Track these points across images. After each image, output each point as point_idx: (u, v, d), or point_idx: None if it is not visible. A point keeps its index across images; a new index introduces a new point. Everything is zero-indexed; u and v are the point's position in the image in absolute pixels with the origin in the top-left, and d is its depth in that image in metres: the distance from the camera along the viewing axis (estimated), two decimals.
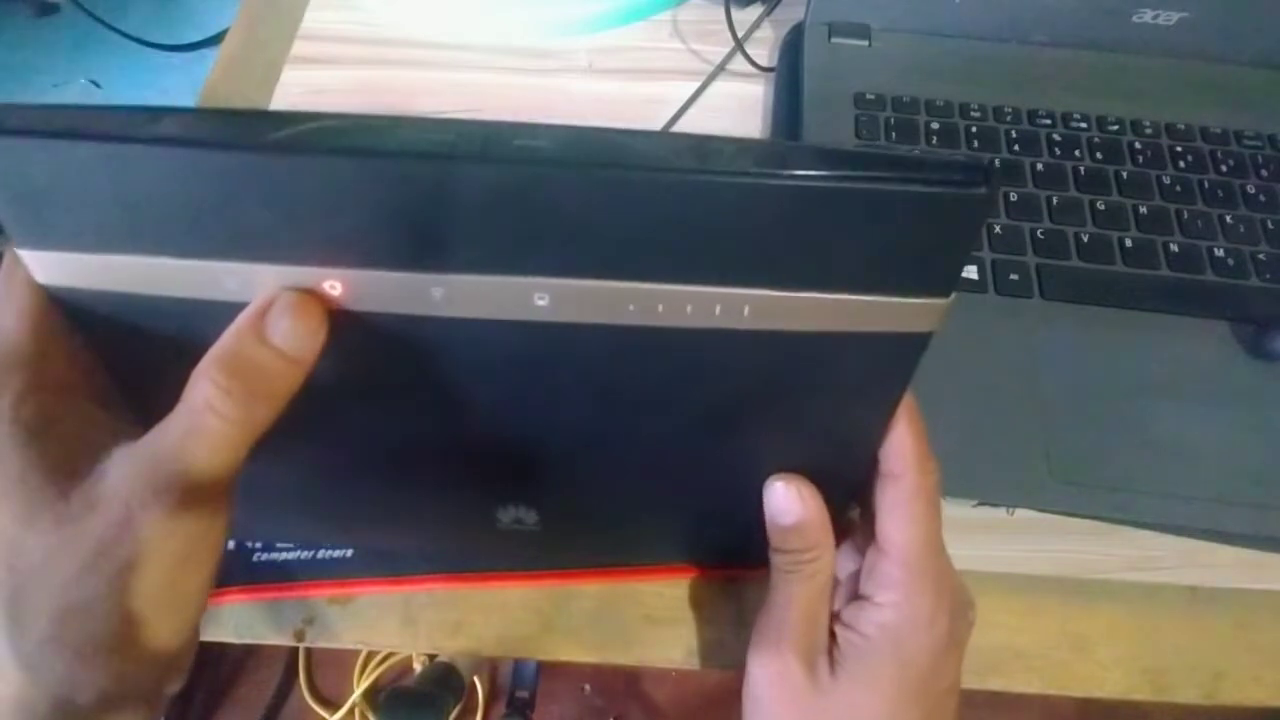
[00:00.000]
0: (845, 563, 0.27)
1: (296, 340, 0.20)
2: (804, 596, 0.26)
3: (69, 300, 0.20)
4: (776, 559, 0.27)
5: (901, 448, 0.25)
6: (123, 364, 0.22)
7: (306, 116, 0.18)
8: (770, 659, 0.26)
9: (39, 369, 0.21)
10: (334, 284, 0.19)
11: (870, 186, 0.18)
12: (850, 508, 0.27)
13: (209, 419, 0.19)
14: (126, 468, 0.19)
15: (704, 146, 0.18)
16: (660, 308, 0.20)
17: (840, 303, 0.20)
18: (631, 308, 0.20)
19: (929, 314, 0.20)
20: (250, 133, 0.18)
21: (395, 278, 0.19)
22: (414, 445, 0.25)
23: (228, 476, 0.20)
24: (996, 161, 0.41)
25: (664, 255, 0.19)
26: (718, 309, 0.20)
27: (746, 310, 0.20)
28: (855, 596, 0.26)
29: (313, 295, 0.20)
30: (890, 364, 0.22)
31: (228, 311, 0.19)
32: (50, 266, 0.19)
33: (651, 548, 0.33)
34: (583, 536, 0.31)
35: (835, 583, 0.27)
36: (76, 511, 0.19)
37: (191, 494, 0.19)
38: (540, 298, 0.19)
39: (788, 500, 0.26)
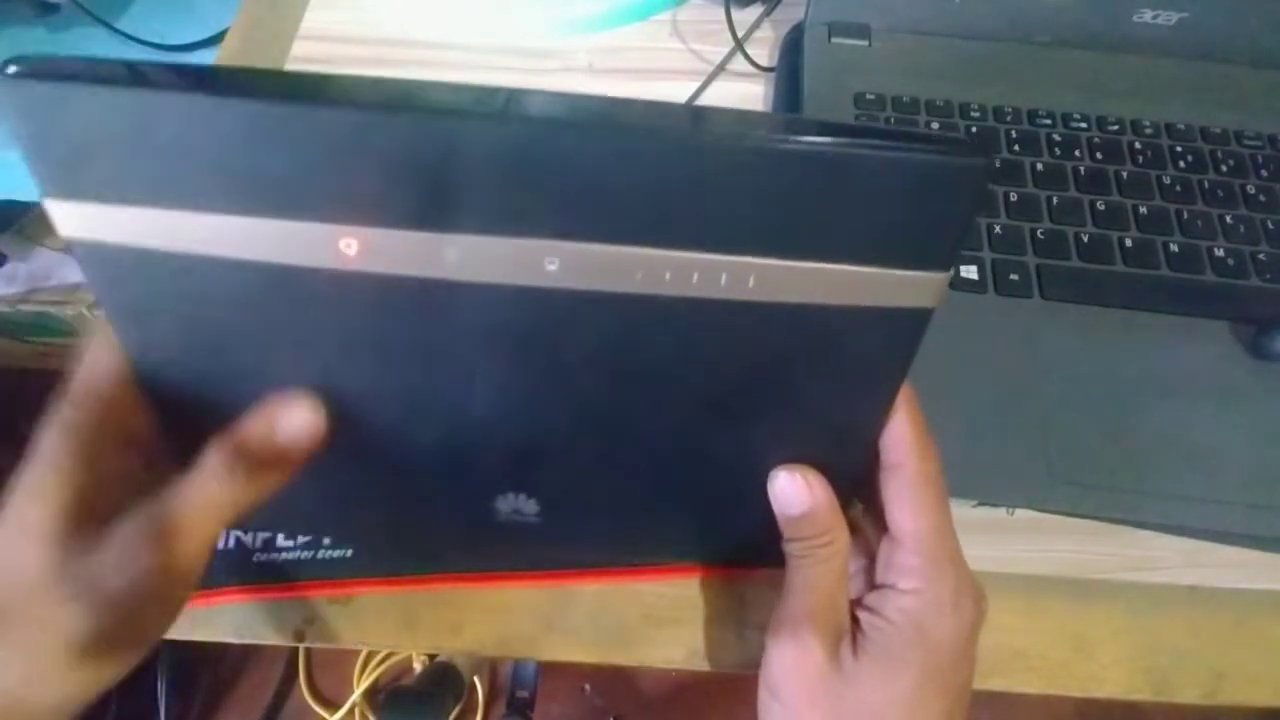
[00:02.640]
0: (855, 557, 0.27)
1: (299, 439, 0.23)
2: (821, 580, 0.26)
3: (89, 257, 0.21)
4: (791, 547, 0.26)
5: (901, 437, 0.25)
6: (133, 322, 0.23)
7: (332, 77, 0.20)
8: (790, 644, 0.25)
9: (113, 406, 0.24)
10: (350, 242, 0.20)
11: (872, 153, 0.18)
12: (852, 503, 0.27)
13: (212, 486, 0.23)
14: (134, 523, 0.22)
15: (711, 115, 0.19)
16: (667, 275, 0.20)
17: (842, 274, 0.20)
18: (639, 275, 0.20)
19: (929, 288, 0.21)
20: (275, 86, 0.19)
21: (410, 237, 0.20)
22: (416, 420, 0.25)
23: (213, 539, 0.23)
24: (997, 161, 0.41)
25: (672, 221, 0.19)
26: (723, 278, 0.20)
27: (751, 280, 0.20)
28: (874, 586, 0.26)
29: (318, 401, 0.23)
30: (892, 342, 0.22)
31: (244, 270, 0.20)
32: (75, 218, 0.20)
33: (653, 545, 0.32)
34: (584, 530, 0.30)
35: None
36: (87, 546, 0.22)
37: (180, 549, 0.22)
38: (551, 262, 0.20)
39: (794, 489, 0.25)
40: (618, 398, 0.24)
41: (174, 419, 0.24)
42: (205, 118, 0.18)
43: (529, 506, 0.28)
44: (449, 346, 0.22)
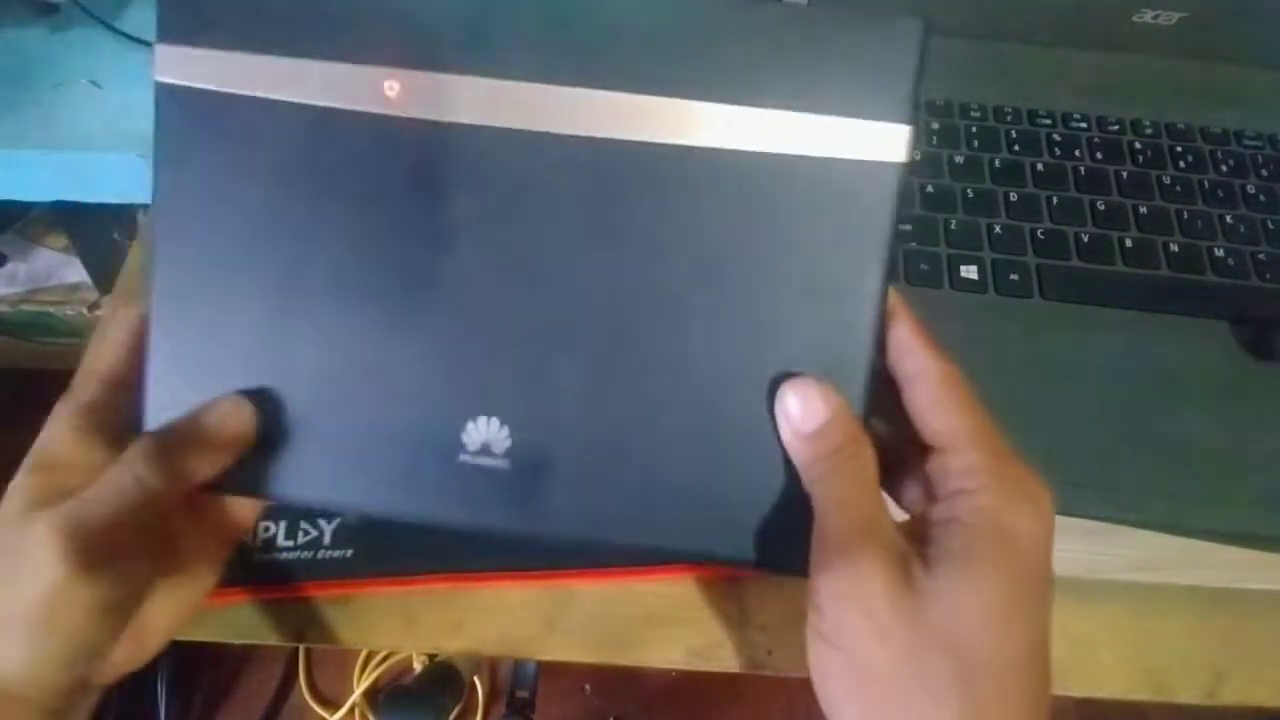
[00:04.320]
0: (909, 487, 0.25)
1: (224, 437, 0.24)
2: (858, 495, 0.22)
3: (173, 97, 0.25)
4: (813, 471, 0.23)
5: (909, 343, 0.23)
6: (187, 168, 0.25)
7: None
8: (843, 572, 0.21)
9: (117, 390, 0.25)
10: (392, 85, 0.24)
11: (832, 13, 0.23)
12: (867, 418, 0.25)
13: (124, 476, 0.23)
14: (54, 516, 0.22)
15: None
16: (673, 124, 0.23)
17: (811, 122, 0.23)
18: (629, 121, 0.23)
19: (890, 140, 0.23)
20: None
21: (446, 79, 0.24)
22: (401, 308, 0.25)
23: (127, 531, 0.23)
24: (997, 161, 0.41)
25: (661, 68, 0.23)
26: (704, 121, 0.23)
27: (732, 124, 0.23)
28: (934, 501, 0.23)
29: (246, 402, 0.25)
30: (865, 200, 0.24)
31: (296, 115, 0.24)
32: (173, 61, 0.24)
33: (633, 518, 0.26)
34: (555, 487, 0.26)
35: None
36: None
37: (95, 543, 0.22)
38: (561, 108, 0.24)
39: (806, 402, 0.23)
40: (599, 267, 0.24)
41: (172, 317, 0.25)
42: None
43: (501, 440, 0.25)
44: (447, 197, 0.24)
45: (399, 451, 0.26)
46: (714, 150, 0.24)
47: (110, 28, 0.59)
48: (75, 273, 0.82)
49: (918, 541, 0.22)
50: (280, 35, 0.24)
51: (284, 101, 0.24)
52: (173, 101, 0.25)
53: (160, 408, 0.25)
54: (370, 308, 0.25)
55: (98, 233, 0.74)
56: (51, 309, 0.83)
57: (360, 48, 0.24)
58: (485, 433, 0.25)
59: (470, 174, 0.24)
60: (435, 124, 0.24)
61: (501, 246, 0.25)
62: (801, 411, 0.23)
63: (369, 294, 0.25)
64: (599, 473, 0.26)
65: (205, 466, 0.24)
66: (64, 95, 0.50)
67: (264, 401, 0.25)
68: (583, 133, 0.24)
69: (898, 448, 0.25)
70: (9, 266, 0.81)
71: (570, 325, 0.25)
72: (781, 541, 0.25)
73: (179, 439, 0.24)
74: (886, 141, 0.23)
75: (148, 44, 0.59)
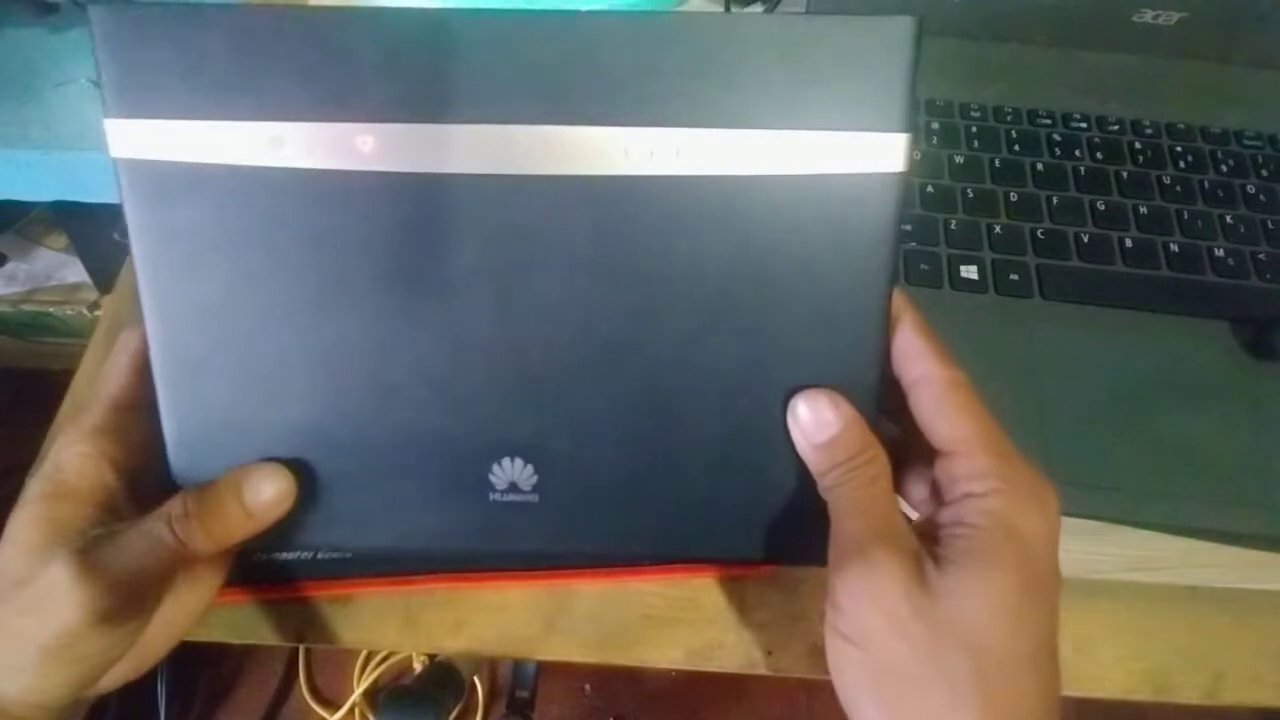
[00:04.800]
0: (916, 487, 0.25)
1: (261, 505, 0.24)
2: (873, 501, 0.23)
3: (134, 174, 0.23)
4: (828, 479, 0.24)
5: (914, 348, 0.24)
6: (162, 246, 0.24)
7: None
8: (860, 571, 0.22)
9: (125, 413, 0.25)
10: (365, 140, 0.23)
11: (817, 17, 0.22)
12: (878, 421, 0.25)
13: (165, 532, 0.23)
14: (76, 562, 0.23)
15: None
16: (652, 153, 0.23)
17: (805, 139, 0.22)
18: (623, 155, 0.23)
19: (889, 149, 0.22)
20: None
21: (421, 129, 0.23)
22: (410, 357, 0.25)
23: (157, 582, 0.24)
24: (997, 161, 0.41)
25: (648, 99, 0.22)
26: (700, 149, 0.23)
27: (726, 151, 0.23)
28: (943, 504, 0.23)
29: (289, 474, 0.25)
30: (868, 212, 0.23)
31: (266, 177, 0.23)
32: (128, 136, 0.23)
33: (659, 529, 0.28)
34: (583, 512, 0.27)
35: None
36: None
37: (118, 594, 0.23)
38: (539, 149, 0.23)
39: (818, 414, 0.24)
40: (610, 305, 0.24)
41: (178, 383, 0.25)
42: (239, 28, 0.22)
43: (526, 478, 0.26)
44: (446, 251, 0.24)
45: (429, 496, 0.27)
46: (706, 178, 0.23)
47: None
48: (75, 273, 0.82)
49: (928, 542, 0.23)
50: (239, 98, 0.23)
51: (254, 167, 0.23)
52: (135, 177, 0.23)
53: (183, 461, 0.26)
54: (376, 361, 0.25)
55: (98, 233, 0.74)
56: (51, 309, 0.83)
57: (327, 104, 0.23)
58: (511, 473, 0.26)
59: (464, 222, 0.23)
60: (418, 175, 0.23)
61: (504, 291, 0.24)
62: (814, 423, 0.24)
63: (375, 348, 0.25)
64: (624, 494, 0.27)
65: (244, 532, 0.25)
66: (64, 95, 0.50)
67: (292, 459, 0.26)
68: (572, 172, 0.23)
69: (905, 447, 0.25)
70: (9, 266, 0.81)
71: (580, 360, 0.25)
72: (802, 536, 0.26)
73: (222, 505, 0.24)
74: (884, 152, 0.22)
75: None
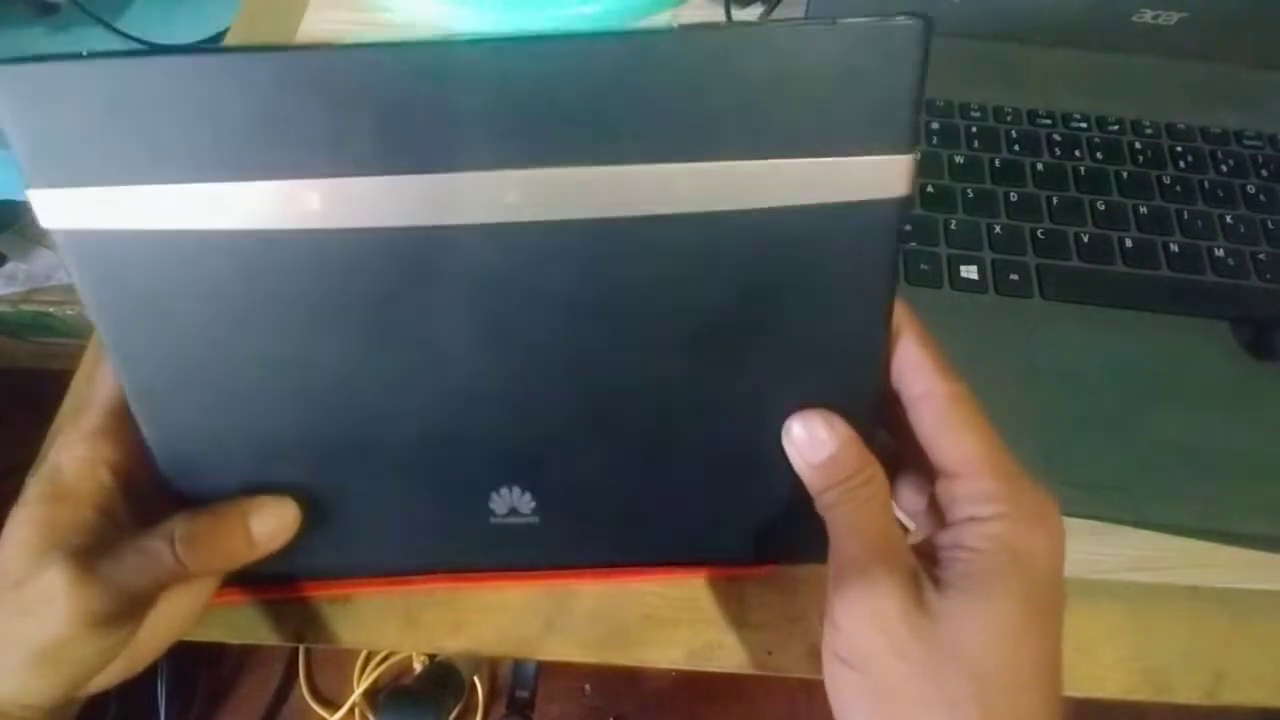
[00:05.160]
0: (913, 500, 0.25)
1: (266, 536, 0.25)
2: (871, 521, 0.23)
3: (72, 246, 0.21)
4: (825, 499, 0.24)
5: (916, 362, 0.23)
6: (115, 313, 0.23)
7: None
8: (860, 591, 0.21)
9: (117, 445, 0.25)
10: (311, 196, 0.20)
11: (808, 28, 0.19)
12: (875, 435, 0.25)
13: (165, 552, 0.23)
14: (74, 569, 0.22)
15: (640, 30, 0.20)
16: (630, 193, 0.20)
17: (803, 169, 0.20)
18: (601, 197, 0.20)
19: (892, 173, 0.20)
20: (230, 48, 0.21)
21: (370, 183, 0.20)
22: (402, 397, 0.24)
23: (152, 595, 0.24)
24: (997, 161, 0.41)
25: (623, 130, 0.19)
26: (686, 186, 0.20)
27: (715, 185, 0.20)
28: (944, 526, 0.23)
29: (293, 506, 0.25)
30: (869, 240, 0.22)
31: (213, 245, 0.21)
32: (58, 206, 0.21)
33: (658, 540, 0.30)
34: (584, 527, 0.28)
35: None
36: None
37: (114, 604, 0.23)
38: (510, 195, 0.20)
39: (813, 432, 0.23)
40: (601, 344, 0.23)
41: (160, 424, 0.25)
42: (161, 79, 0.19)
43: (526, 503, 0.27)
44: (423, 302, 0.22)
45: (428, 521, 0.27)
46: (699, 215, 0.20)
47: (110, 28, 0.59)
48: None
49: (928, 562, 0.22)
50: (172, 158, 0.20)
51: (198, 230, 0.21)
52: (71, 246, 0.21)
53: (174, 473, 0.25)
54: (365, 399, 0.24)
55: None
56: (51, 309, 0.83)
57: (269, 163, 0.20)
58: (510, 500, 0.26)
59: (443, 270, 0.22)
60: (381, 230, 0.21)
61: (495, 333, 0.23)
62: (809, 443, 0.24)
63: (362, 388, 0.24)
64: (624, 512, 0.27)
65: (245, 559, 0.25)
66: None
67: (284, 483, 0.26)
68: (557, 216, 0.20)
69: (901, 458, 0.25)
70: (9, 266, 0.81)
71: (575, 393, 0.24)
72: (797, 535, 0.25)
73: (227, 533, 0.25)
74: (887, 175, 0.20)
75: (148, 44, 0.59)
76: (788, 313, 0.23)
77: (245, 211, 0.20)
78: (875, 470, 0.24)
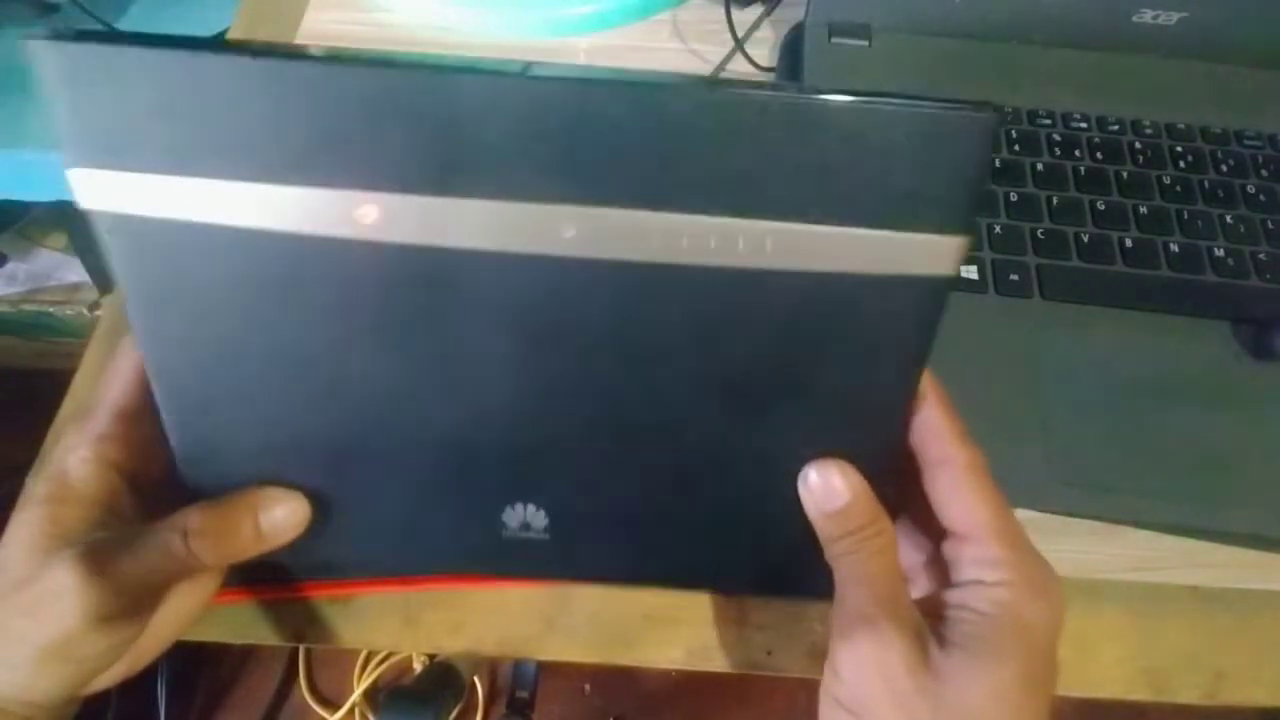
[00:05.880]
0: (908, 552, 0.26)
1: (275, 528, 0.25)
2: (880, 573, 0.24)
3: (112, 228, 0.21)
4: (836, 547, 0.24)
5: (939, 429, 0.24)
6: (148, 297, 0.23)
7: (347, 50, 0.21)
8: (868, 641, 0.22)
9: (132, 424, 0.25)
10: (367, 210, 0.20)
11: (883, 107, 0.19)
12: (887, 492, 0.26)
13: (177, 544, 0.23)
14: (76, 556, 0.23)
15: (725, 80, 0.20)
16: (684, 241, 0.20)
17: (858, 237, 0.20)
18: (655, 242, 0.20)
19: (946, 253, 0.20)
20: (291, 52, 0.20)
21: (426, 202, 0.20)
22: (425, 408, 0.24)
23: (161, 589, 0.24)
24: (997, 161, 0.41)
25: (687, 183, 0.19)
26: (740, 242, 0.20)
27: (769, 244, 0.20)
28: (948, 585, 0.24)
29: (304, 500, 0.25)
30: (912, 315, 0.22)
31: (259, 244, 0.21)
32: (100, 188, 0.20)
33: (668, 567, 0.30)
34: (594, 551, 0.28)
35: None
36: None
37: (121, 597, 0.23)
38: (567, 229, 0.20)
39: (829, 482, 0.24)
40: (632, 381, 0.23)
41: (182, 412, 0.24)
42: (228, 78, 0.19)
43: (538, 520, 0.27)
44: (461, 323, 0.22)
45: (440, 528, 0.27)
46: (744, 270, 0.20)
47: (110, 28, 0.59)
48: (75, 273, 0.82)
49: (931, 619, 0.23)
50: (226, 154, 0.20)
51: (244, 228, 0.20)
52: (110, 229, 0.21)
53: (192, 472, 0.26)
54: (386, 407, 0.24)
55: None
56: (51, 309, 0.83)
57: (328, 171, 0.20)
58: (523, 515, 0.27)
59: (481, 296, 0.21)
60: (428, 248, 0.21)
61: (520, 363, 0.23)
62: (824, 492, 0.24)
63: (384, 397, 0.24)
64: (635, 538, 0.28)
65: (254, 551, 0.25)
66: None
67: (301, 482, 0.26)
68: (600, 255, 0.20)
69: (900, 509, 0.26)
70: (9, 266, 0.81)
71: (596, 428, 0.25)
72: (808, 573, 0.26)
73: (236, 525, 0.25)
74: (938, 254, 0.20)
75: None
76: (821, 371, 0.23)
77: (297, 214, 0.20)
78: (886, 524, 0.24)
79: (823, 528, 0.25)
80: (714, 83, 0.20)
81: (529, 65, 0.19)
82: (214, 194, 0.20)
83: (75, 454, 0.24)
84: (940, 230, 0.20)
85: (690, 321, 0.22)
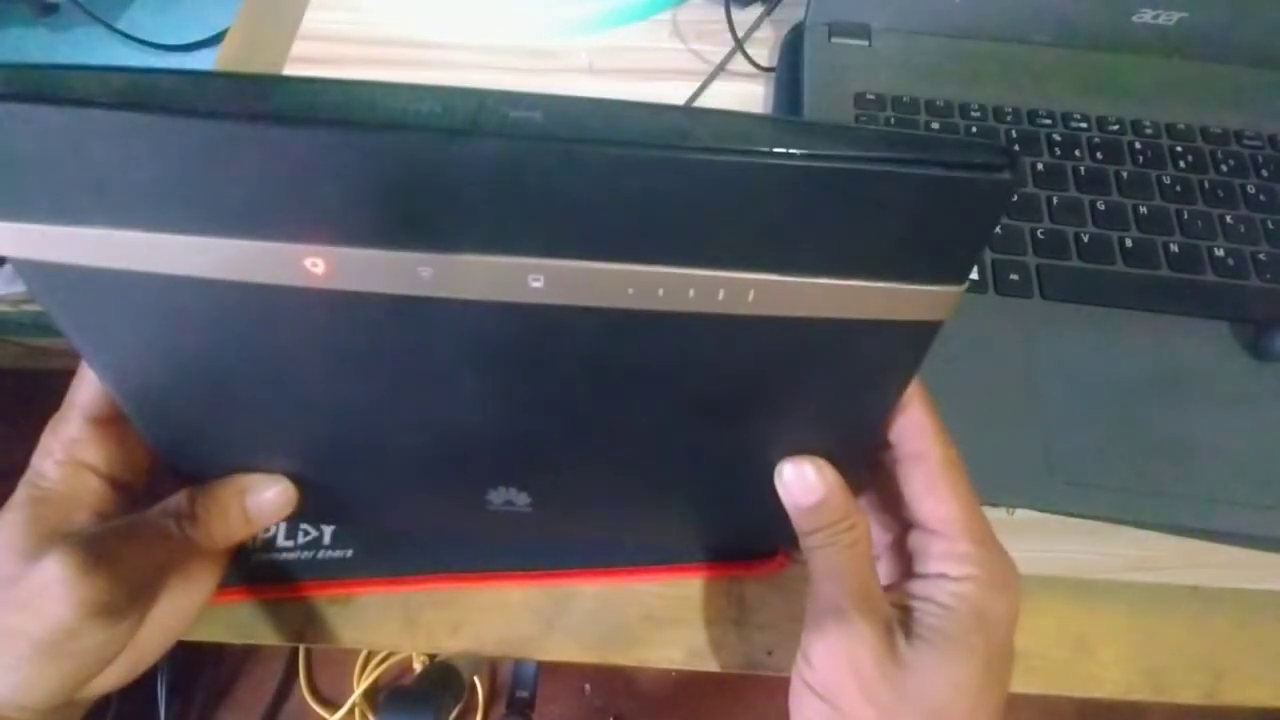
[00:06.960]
0: (877, 534, 0.27)
1: (263, 510, 0.26)
2: (852, 566, 0.24)
3: (33, 275, 0.19)
4: (811, 540, 0.25)
5: (920, 426, 0.24)
6: (91, 344, 0.22)
7: (290, 81, 0.19)
8: (838, 633, 0.23)
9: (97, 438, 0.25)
10: (316, 261, 0.18)
11: (884, 169, 0.16)
12: (860, 478, 0.26)
13: (171, 526, 0.24)
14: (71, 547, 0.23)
15: (707, 119, 0.17)
16: (660, 291, 0.18)
17: (849, 289, 0.19)
18: (631, 291, 0.18)
19: (941, 302, 0.19)
20: (232, 100, 0.16)
21: (380, 256, 0.18)
22: (401, 427, 0.24)
23: (157, 574, 0.25)
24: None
25: (664, 236, 0.18)
26: (721, 294, 0.19)
27: (751, 295, 0.19)
28: (913, 576, 0.25)
29: (290, 487, 0.26)
30: (898, 353, 0.21)
31: (203, 289, 0.19)
32: (17, 239, 0.18)
33: (649, 536, 0.32)
34: (577, 520, 0.30)
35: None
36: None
37: (113, 586, 0.23)
38: (535, 279, 0.18)
39: (804, 479, 0.25)
40: (609, 407, 0.23)
41: (148, 424, 0.25)
42: (160, 137, 0.16)
43: (520, 499, 0.27)
44: (430, 361, 0.21)
45: (426, 507, 0.29)
46: (725, 316, 0.19)
47: (110, 28, 0.59)
48: None
49: (896, 609, 0.24)
50: (149, 209, 0.18)
51: (178, 276, 0.19)
52: (29, 276, 0.19)
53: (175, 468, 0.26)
54: (360, 425, 0.24)
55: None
56: None
57: (262, 225, 0.18)
58: (506, 495, 0.27)
59: (444, 340, 0.20)
60: (389, 295, 0.19)
61: (494, 390, 0.22)
62: (799, 488, 0.25)
63: (362, 416, 0.24)
64: (614, 515, 0.29)
65: (245, 534, 0.27)
66: None
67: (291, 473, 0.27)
68: (575, 304, 0.19)
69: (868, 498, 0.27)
70: (9, 267, 0.81)
71: (576, 440, 0.25)
72: (769, 531, 0.27)
73: (225, 509, 0.25)
74: (934, 303, 0.19)
75: (147, 44, 0.59)
76: (801, 398, 0.23)
77: (241, 265, 0.18)
78: (860, 519, 0.25)
79: (798, 521, 0.25)
80: (686, 135, 0.16)
81: (482, 107, 0.16)
82: (143, 245, 0.18)
83: (50, 459, 0.24)
84: (938, 282, 0.19)
85: (669, 359, 0.21)
